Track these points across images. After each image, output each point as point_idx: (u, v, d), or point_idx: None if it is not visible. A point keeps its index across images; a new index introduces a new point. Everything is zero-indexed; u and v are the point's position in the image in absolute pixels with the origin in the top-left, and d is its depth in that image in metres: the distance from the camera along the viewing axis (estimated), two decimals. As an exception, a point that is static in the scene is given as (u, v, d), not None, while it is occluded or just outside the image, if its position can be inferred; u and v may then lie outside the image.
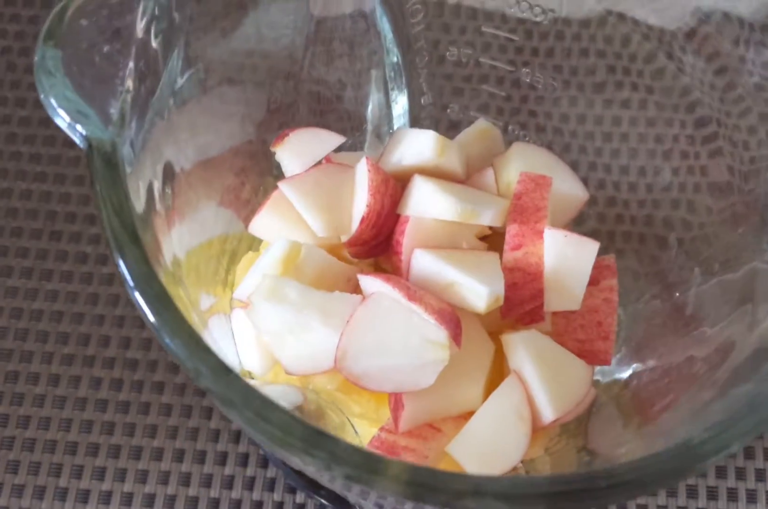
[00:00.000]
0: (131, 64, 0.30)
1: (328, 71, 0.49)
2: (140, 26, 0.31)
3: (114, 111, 0.29)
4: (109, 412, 0.57)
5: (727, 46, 0.41)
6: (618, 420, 0.46)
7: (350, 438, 0.47)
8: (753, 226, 0.41)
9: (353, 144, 0.53)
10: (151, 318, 0.28)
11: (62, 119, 0.30)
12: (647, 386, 0.46)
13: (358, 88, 0.51)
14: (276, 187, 0.48)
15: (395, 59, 0.52)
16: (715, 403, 0.33)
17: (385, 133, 0.56)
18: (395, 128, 0.57)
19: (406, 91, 0.54)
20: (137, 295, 0.28)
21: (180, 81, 0.35)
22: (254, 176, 0.50)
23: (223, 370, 0.28)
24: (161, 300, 0.28)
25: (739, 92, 0.41)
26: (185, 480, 0.55)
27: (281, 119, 0.48)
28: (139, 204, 0.30)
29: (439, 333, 0.40)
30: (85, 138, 0.29)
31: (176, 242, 0.37)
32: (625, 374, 0.51)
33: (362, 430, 0.48)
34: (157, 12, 0.31)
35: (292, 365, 0.43)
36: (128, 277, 0.28)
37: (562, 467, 0.46)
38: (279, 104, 0.47)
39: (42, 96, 0.30)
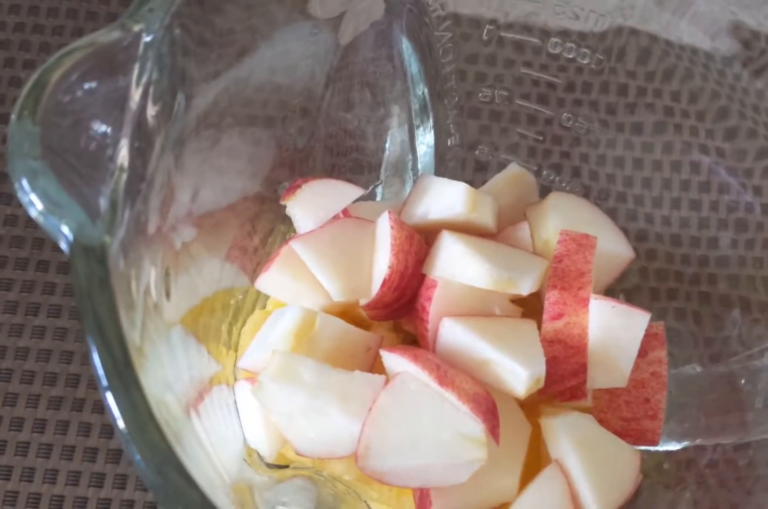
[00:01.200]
0: (125, 140, 0.25)
1: (347, 114, 0.44)
2: (137, 92, 0.25)
3: (103, 200, 0.24)
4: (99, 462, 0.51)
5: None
6: None
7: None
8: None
9: (373, 192, 0.47)
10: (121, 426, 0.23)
11: (39, 213, 0.24)
12: (708, 486, 0.41)
13: (379, 132, 0.46)
14: (285, 240, 0.43)
15: (421, 95, 0.47)
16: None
17: (407, 175, 0.51)
18: (419, 167, 0.52)
19: (432, 130, 0.49)
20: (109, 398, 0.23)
21: (181, 141, 0.30)
22: (263, 225, 0.45)
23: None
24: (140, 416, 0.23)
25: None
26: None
27: (294, 168, 0.43)
28: (129, 297, 0.25)
29: (474, 427, 0.35)
30: (69, 240, 0.24)
31: (170, 318, 0.32)
32: (673, 448, 0.46)
33: (382, 514, 0.43)
34: (156, 73, 0.26)
35: (304, 449, 0.38)
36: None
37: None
38: (292, 152, 0.42)
39: (16, 184, 0.24)
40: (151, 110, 0.27)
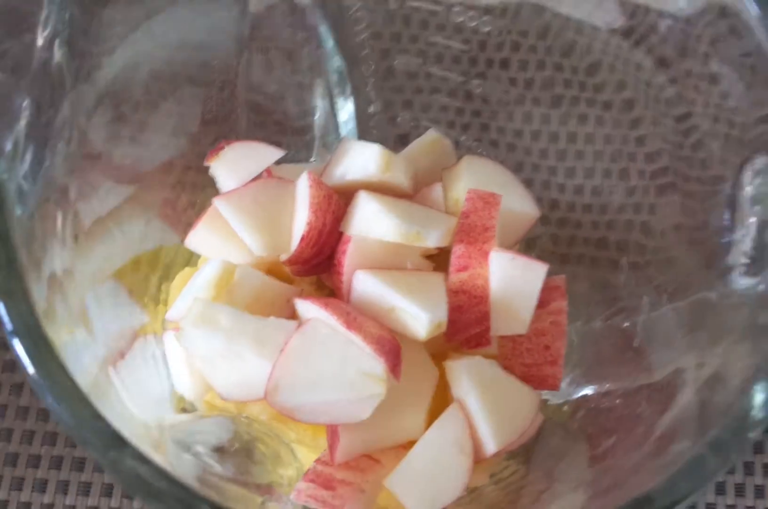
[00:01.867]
0: (27, 87, 0.27)
1: (267, 79, 0.46)
2: (40, 41, 0.28)
3: (8, 144, 0.27)
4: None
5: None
6: (565, 453, 0.44)
7: (286, 466, 0.45)
8: (704, 256, 0.40)
9: (299, 155, 0.50)
10: (31, 372, 0.26)
11: None
12: (596, 416, 0.45)
13: (300, 96, 0.49)
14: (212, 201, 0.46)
15: (339, 66, 0.49)
16: (657, 456, 0.32)
17: (332, 142, 0.54)
18: (343, 134, 0.55)
19: (352, 98, 0.51)
20: (16, 343, 0.26)
21: (93, 96, 0.32)
22: (191, 188, 0.47)
23: (111, 442, 0.25)
24: (44, 353, 0.26)
25: (694, 110, 0.40)
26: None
27: (218, 131, 0.46)
28: (34, 244, 0.27)
29: (376, 366, 0.39)
30: None
31: (86, 267, 0.34)
32: (575, 395, 0.50)
33: (302, 455, 0.46)
34: (61, 23, 0.28)
35: (226, 392, 0.41)
36: (8, 323, 0.26)
37: (511, 499, 0.45)
38: (215, 115, 0.45)
39: None
40: (57, 58, 0.29)
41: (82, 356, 0.30)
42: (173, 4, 0.37)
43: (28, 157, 0.27)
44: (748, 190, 0.36)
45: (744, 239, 0.36)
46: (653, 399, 0.39)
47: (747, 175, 0.36)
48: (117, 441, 0.25)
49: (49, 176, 0.29)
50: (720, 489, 0.53)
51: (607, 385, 0.48)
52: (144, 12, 0.35)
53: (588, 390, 0.49)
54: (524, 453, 0.47)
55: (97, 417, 0.26)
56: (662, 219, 0.45)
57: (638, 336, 0.44)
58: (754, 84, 0.36)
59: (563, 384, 0.49)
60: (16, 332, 0.26)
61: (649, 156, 0.43)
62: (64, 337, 0.28)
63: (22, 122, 0.27)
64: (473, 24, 0.45)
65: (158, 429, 0.36)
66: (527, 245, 0.52)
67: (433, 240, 0.44)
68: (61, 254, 0.31)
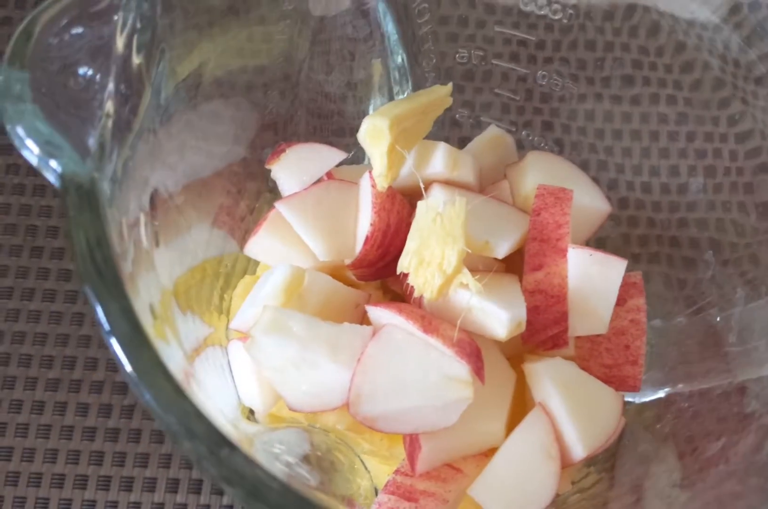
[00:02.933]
0: (111, 85, 0.26)
1: (328, 78, 0.45)
2: (120, 41, 0.27)
3: (92, 141, 0.25)
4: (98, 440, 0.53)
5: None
6: (653, 458, 0.42)
7: (361, 477, 0.43)
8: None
9: (357, 155, 0.49)
10: (132, 373, 0.24)
11: (31, 153, 0.26)
12: (686, 421, 0.42)
13: (361, 93, 0.47)
14: (273, 206, 0.44)
15: (401, 61, 0.48)
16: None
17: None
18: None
19: (411, 90, 0.50)
20: (114, 343, 0.24)
21: (166, 98, 0.31)
22: (250, 193, 0.46)
23: (217, 444, 0.24)
24: (145, 353, 0.24)
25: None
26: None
27: (278, 132, 0.44)
28: (121, 245, 0.26)
29: (460, 369, 0.37)
30: (60, 175, 0.25)
31: (164, 274, 0.33)
32: (653, 397, 0.48)
33: (372, 467, 0.44)
34: (139, 23, 0.27)
35: (297, 402, 0.39)
36: (105, 323, 0.24)
37: (596, 506, 0.43)
38: (275, 116, 0.43)
39: (8, 126, 0.25)
40: (136, 59, 0.28)
41: (173, 356, 0.29)
42: (236, 13, 0.36)
43: (114, 156, 0.26)
44: None
45: None
46: (760, 398, 0.36)
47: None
48: (225, 441, 0.24)
49: (130, 176, 0.28)
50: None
51: (695, 384, 0.46)
52: (208, 19, 0.34)
53: (668, 391, 0.47)
54: (605, 459, 0.45)
55: (203, 421, 0.25)
56: (754, 214, 0.43)
57: (733, 331, 0.42)
58: None
59: (643, 384, 0.47)
60: (114, 332, 0.24)
61: (734, 152, 0.41)
62: (154, 337, 0.26)
63: (108, 121, 0.26)
64: (542, 12, 0.43)
65: (245, 437, 0.34)
66: (597, 245, 0.50)
67: (503, 251, 0.42)
68: (147, 256, 0.30)
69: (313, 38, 0.42)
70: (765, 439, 0.33)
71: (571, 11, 0.43)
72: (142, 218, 0.29)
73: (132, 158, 0.28)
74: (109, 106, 0.26)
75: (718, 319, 0.43)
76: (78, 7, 0.26)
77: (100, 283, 0.24)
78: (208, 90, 0.36)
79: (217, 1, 0.35)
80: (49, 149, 0.25)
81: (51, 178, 0.26)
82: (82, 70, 0.26)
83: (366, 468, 0.44)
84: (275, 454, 0.36)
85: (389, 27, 0.45)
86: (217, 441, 0.24)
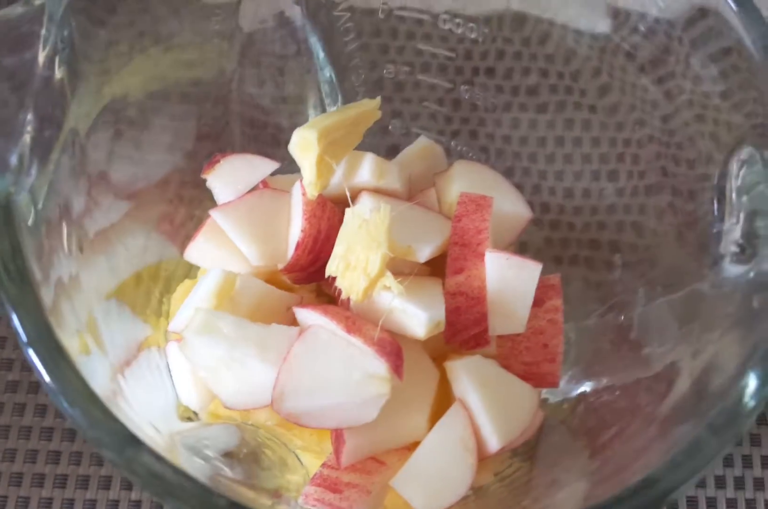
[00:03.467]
0: (31, 103, 0.28)
1: (259, 92, 0.47)
2: (41, 59, 0.29)
3: (13, 157, 0.27)
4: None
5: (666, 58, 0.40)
6: (568, 448, 0.45)
7: (293, 471, 0.45)
8: (695, 248, 0.40)
9: (293, 166, 0.51)
10: (47, 379, 0.26)
11: None
12: (595, 411, 0.45)
13: (292, 107, 0.50)
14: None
15: (329, 76, 0.50)
16: (657, 441, 0.32)
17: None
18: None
19: (342, 105, 0.52)
20: (31, 352, 0.27)
21: (92, 114, 0.33)
22: (190, 201, 0.48)
23: (127, 442, 0.26)
24: (58, 360, 0.26)
25: (680, 110, 0.40)
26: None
27: (213, 145, 0.47)
28: (40, 256, 0.28)
29: (379, 366, 0.39)
30: None
31: (91, 282, 0.35)
32: (575, 392, 0.51)
33: (307, 462, 0.46)
34: (60, 43, 0.29)
35: (230, 401, 0.42)
36: (22, 333, 0.26)
37: (516, 494, 0.45)
38: (210, 127, 0.46)
39: None
40: (58, 74, 0.30)
41: (92, 365, 0.31)
42: (166, 25, 0.38)
43: (34, 171, 0.28)
44: (735, 181, 0.37)
45: (733, 229, 0.37)
46: (652, 390, 0.39)
47: (733, 166, 0.37)
48: (132, 440, 0.26)
49: (53, 189, 0.30)
50: (720, 483, 0.53)
51: (605, 380, 0.49)
52: (138, 32, 0.36)
53: (586, 387, 0.50)
54: (527, 450, 0.48)
55: (111, 418, 0.27)
56: (653, 218, 0.46)
57: (634, 330, 0.45)
58: (735, 81, 0.37)
59: (562, 382, 0.49)
60: (30, 341, 0.27)
61: (636, 157, 0.44)
62: (74, 347, 0.28)
63: (27, 137, 0.28)
64: (459, 31, 0.46)
65: (167, 435, 0.36)
66: (521, 248, 0.53)
67: (424, 255, 0.45)
68: (68, 264, 0.32)
69: (242, 52, 0.44)
70: (646, 427, 0.36)
71: (485, 30, 0.46)
72: (65, 229, 0.31)
73: (56, 170, 0.30)
74: (30, 121, 0.28)
75: (622, 318, 0.46)
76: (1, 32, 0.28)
77: (15, 293, 0.26)
78: (139, 102, 0.38)
79: (141, 21, 0.37)
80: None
81: None
82: (2, 94, 0.28)
83: (301, 464, 0.47)
84: (197, 448, 0.38)
85: (315, 45, 0.47)
86: (122, 438, 0.26)
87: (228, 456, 0.40)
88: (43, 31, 0.29)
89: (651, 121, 0.42)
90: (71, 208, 0.33)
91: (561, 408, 0.50)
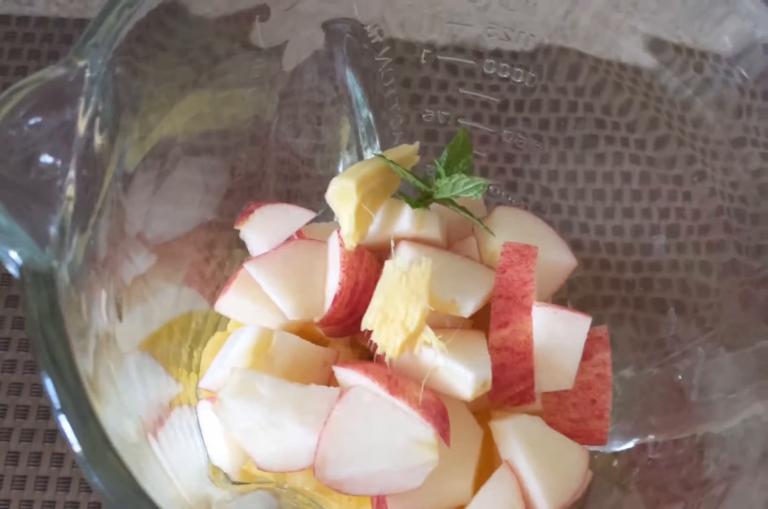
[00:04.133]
0: (72, 168, 0.27)
1: (296, 140, 0.46)
2: (83, 123, 0.27)
3: (53, 228, 0.26)
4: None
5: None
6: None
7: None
8: (761, 307, 0.38)
9: (327, 213, 0.49)
10: (77, 449, 0.25)
11: None
12: (653, 474, 0.43)
13: (329, 155, 0.48)
14: (242, 262, 0.45)
15: (367, 119, 0.49)
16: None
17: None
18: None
19: (380, 152, 0.51)
20: (63, 419, 0.25)
21: (130, 170, 0.32)
22: (220, 250, 0.46)
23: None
24: (91, 432, 0.25)
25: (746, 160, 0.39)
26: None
27: (246, 194, 0.45)
28: (81, 327, 0.26)
29: (425, 431, 0.37)
30: (19, 267, 0.26)
31: (126, 343, 0.33)
32: (625, 447, 0.48)
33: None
34: (101, 105, 0.28)
35: (265, 463, 0.40)
36: (56, 400, 0.25)
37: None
38: (244, 178, 0.44)
39: None
40: (98, 140, 0.28)
41: (123, 424, 0.29)
42: (210, 78, 0.37)
43: (75, 241, 0.26)
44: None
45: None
46: (723, 448, 0.37)
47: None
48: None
49: (91, 252, 0.28)
50: None
51: (659, 436, 0.46)
52: (179, 86, 0.35)
53: (639, 441, 0.48)
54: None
55: (141, 495, 0.25)
56: (714, 275, 0.44)
57: (695, 387, 0.43)
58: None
59: (609, 434, 0.47)
60: (63, 409, 0.25)
61: (697, 212, 0.42)
62: (107, 404, 0.27)
63: (68, 204, 0.26)
64: (505, 76, 0.44)
65: (204, 504, 0.34)
66: (569, 288, 0.50)
67: (468, 310, 0.43)
68: (105, 325, 0.30)
69: (280, 102, 0.43)
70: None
71: (532, 74, 0.44)
72: (104, 296, 0.30)
73: (94, 237, 0.28)
74: (71, 190, 0.27)
75: (680, 377, 0.44)
76: (38, 96, 0.27)
77: (50, 362, 0.25)
78: (175, 158, 0.37)
79: (182, 74, 0.35)
80: (8, 240, 0.26)
81: (11, 269, 0.26)
82: (43, 158, 0.27)
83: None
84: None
85: (356, 90, 0.46)
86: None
87: None
88: (84, 92, 0.27)
89: (712, 174, 0.40)
90: (108, 267, 0.31)
91: (611, 464, 0.48)
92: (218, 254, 0.46)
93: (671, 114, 0.43)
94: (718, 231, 0.41)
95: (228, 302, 0.45)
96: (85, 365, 0.28)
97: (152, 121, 0.33)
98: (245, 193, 0.45)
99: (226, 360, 0.41)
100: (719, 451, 0.38)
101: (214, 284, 0.47)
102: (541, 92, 0.46)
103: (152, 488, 0.28)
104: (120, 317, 0.32)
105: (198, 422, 0.43)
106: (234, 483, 0.43)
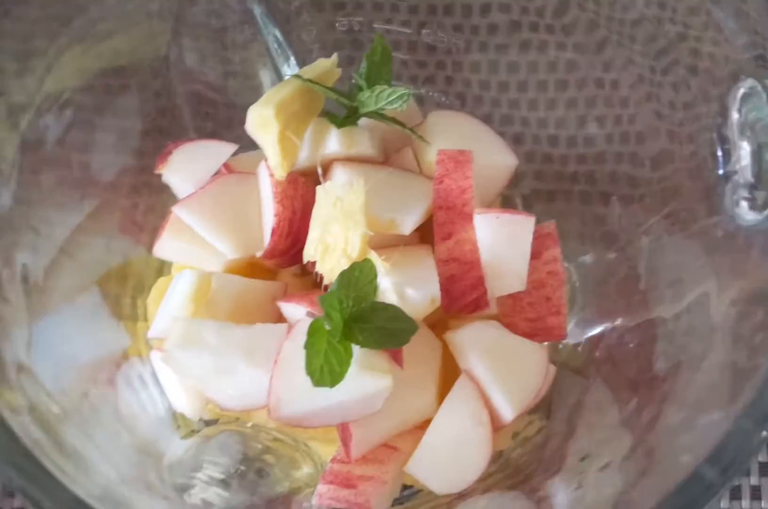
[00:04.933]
0: None
1: (202, 63, 0.43)
2: None
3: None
4: None
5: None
6: (585, 402, 0.43)
7: (302, 465, 0.44)
8: (702, 188, 0.37)
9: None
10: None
11: None
12: (613, 358, 0.43)
13: (243, 78, 0.46)
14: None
15: (275, 36, 0.46)
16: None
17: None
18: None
19: (298, 66, 0.48)
20: None
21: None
22: (147, 194, 0.45)
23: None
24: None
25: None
26: None
27: (163, 129, 0.43)
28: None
29: (377, 357, 0.37)
30: None
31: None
32: (586, 336, 0.49)
33: (317, 449, 0.45)
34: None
35: (226, 405, 0.40)
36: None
37: (535, 455, 0.44)
38: (155, 114, 0.42)
39: None
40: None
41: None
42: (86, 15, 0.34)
43: None
44: (736, 117, 0.34)
45: (740, 170, 0.34)
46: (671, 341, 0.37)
47: (732, 102, 0.34)
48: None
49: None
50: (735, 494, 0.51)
51: (618, 321, 0.47)
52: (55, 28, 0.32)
53: (599, 329, 0.48)
54: (546, 406, 0.46)
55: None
56: (650, 148, 0.42)
57: (642, 275, 0.42)
58: (735, 14, 0.33)
59: (571, 325, 0.48)
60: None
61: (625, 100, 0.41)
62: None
63: None
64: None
65: (157, 474, 0.35)
66: (512, 185, 0.49)
67: (408, 227, 0.42)
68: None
69: (175, 32, 0.40)
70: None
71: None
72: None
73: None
74: None
75: (629, 265, 0.43)
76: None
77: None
78: (76, 102, 0.35)
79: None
80: None
81: None
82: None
83: (311, 453, 0.45)
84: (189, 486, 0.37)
85: (255, 8, 0.43)
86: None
87: (224, 483, 0.39)
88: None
89: (641, 60, 0.38)
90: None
91: (576, 352, 0.48)
92: (147, 199, 0.45)
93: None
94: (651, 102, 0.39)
95: (165, 247, 0.44)
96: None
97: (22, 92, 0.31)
98: (162, 133, 0.43)
99: (167, 309, 0.41)
100: (667, 345, 0.39)
101: (149, 229, 0.46)
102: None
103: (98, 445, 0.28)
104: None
105: (152, 372, 0.43)
106: (202, 421, 0.44)
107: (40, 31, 0.35)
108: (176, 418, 0.43)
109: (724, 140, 0.35)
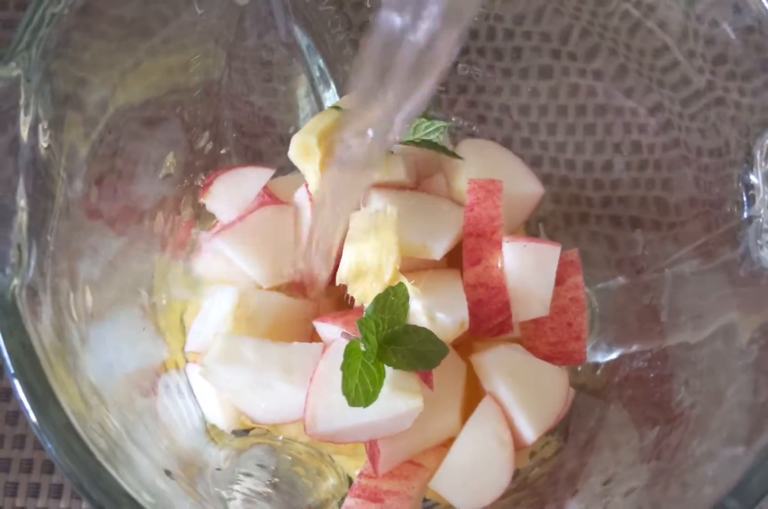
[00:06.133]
0: (21, 179, 0.27)
1: (249, 93, 0.45)
2: (24, 129, 0.27)
3: (8, 246, 0.26)
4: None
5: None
6: (604, 426, 0.45)
7: (328, 476, 0.46)
8: (725, 230, 0.39)
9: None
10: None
11: None
12: (633, 383, 0.45)
13: (286, 102, 0.47)
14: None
15: (318, 67, 0.48)
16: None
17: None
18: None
19: (337, 96, 0.50)
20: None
21: (82, 160, 0.32)
22: (188, 211, 0.47)
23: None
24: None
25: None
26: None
27: (208, 155, 0.45)
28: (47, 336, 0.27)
29: (409, 379, 0.39)
30: None
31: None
32: (604, 360, 0.50)
33: (342, 462, 0.47)
34: (40, 108, 0.27)
35: (258, 418, 0.41)
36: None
37: (554, 477, 0.46)
38: (201, 128, 0.44)
39: None
40: (43, 143, 0.28)
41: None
42: (153, 54, 0.36)
43: (33, 259, 0.27)
44: (762, 165, 0.36)
45: (764, 216, 0.36)
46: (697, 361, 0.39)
47: (758, 152, 0.36)
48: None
49: (54, 258, 0.28)
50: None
51: (634, 347, 0.48)
52: (119, 71, 0.34)
53: (615, 354, 0.50)
54: (563, 427, 0.48)
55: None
56: (676, 193, 0.44)
57: (664, 307, 0.44)
58: (758, 62, 0.34)
59: (588, 349, 0.49)
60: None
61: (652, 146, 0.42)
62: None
63: (22, 215, 0.26)
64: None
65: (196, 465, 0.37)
66: (540, 221, 0.51)
67: (439, 253, 0.43)
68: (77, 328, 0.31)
69: (228, 61, 0.42)
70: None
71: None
72: (71, 296, 0.30)
73: (55, 240, 0.28)
74: (21, 201, 0.27)
75: (651, 297, 0.45)
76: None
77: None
78: (127, 137, 0.36)
79: (124, 50, 0.34)
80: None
81: None
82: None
83: (334, 465, 0.47)
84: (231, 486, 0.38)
85: (303, 40, 0.44)
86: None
87: (263, 494, 0.40)
88: (22, 101, 0.27)
89: (672, 102, 0.40)
90: (73, 271, 0.31)
91: (595, 375, 0.50)
92: (187, 215, 0.47)
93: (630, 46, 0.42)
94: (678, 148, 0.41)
95: (203, 265, 0.46)
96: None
97: (97, 105, 0.33)
98: (207, 159, 0.45)
99: (207, 325, 0.42)
100: (688, 375, 0.40)
101: (188, 248, 0.47)
102: (495, 21, 0.45)
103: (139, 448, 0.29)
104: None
105: (188, 384, 0.45)
106: (233, 432, 0.45)
107: (121, 45, 0.36)
108: (207, 430, 0.44)
109: (748, 186, 0.36)
